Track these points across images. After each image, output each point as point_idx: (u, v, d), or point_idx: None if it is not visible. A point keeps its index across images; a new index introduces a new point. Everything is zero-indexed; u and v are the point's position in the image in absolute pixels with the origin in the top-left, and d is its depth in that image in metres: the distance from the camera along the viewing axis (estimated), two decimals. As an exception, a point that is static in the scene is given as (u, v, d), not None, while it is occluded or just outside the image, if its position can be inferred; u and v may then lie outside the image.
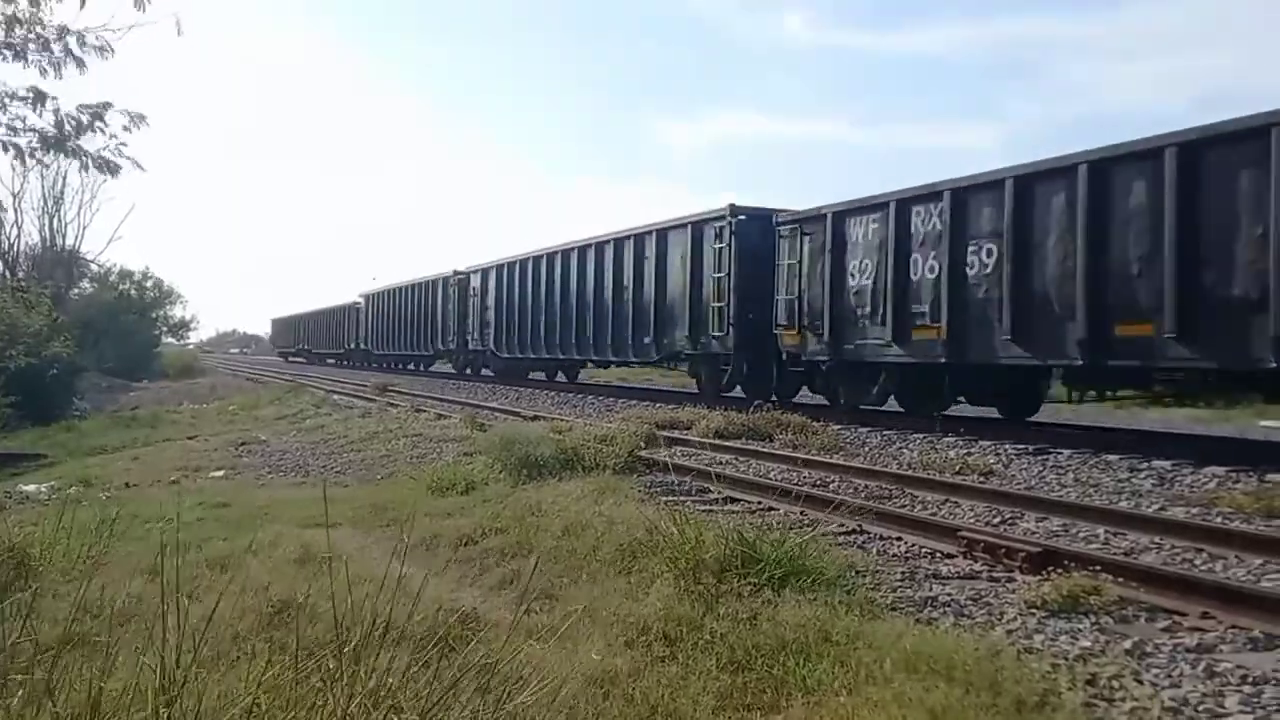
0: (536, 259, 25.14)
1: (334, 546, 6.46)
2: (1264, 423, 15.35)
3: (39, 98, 7.92)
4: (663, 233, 19.13)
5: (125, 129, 8.25)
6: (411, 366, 40.96)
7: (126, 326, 48.42)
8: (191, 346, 79.40)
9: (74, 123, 8.08)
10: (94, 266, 50.15)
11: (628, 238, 20.43)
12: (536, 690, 3.29)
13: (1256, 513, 7.13)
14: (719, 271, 17.05)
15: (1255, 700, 3.53)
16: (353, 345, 46.38)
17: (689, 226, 18.08)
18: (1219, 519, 7.03)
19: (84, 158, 8.27)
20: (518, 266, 26.53)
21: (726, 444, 11.63)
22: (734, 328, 16.65)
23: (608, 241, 21.30)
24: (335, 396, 24.37)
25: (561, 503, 7.50)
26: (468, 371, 33.14)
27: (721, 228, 17.07)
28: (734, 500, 8.03)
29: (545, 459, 9.34)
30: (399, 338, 39.14)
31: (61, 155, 8.61)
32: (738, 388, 17.66)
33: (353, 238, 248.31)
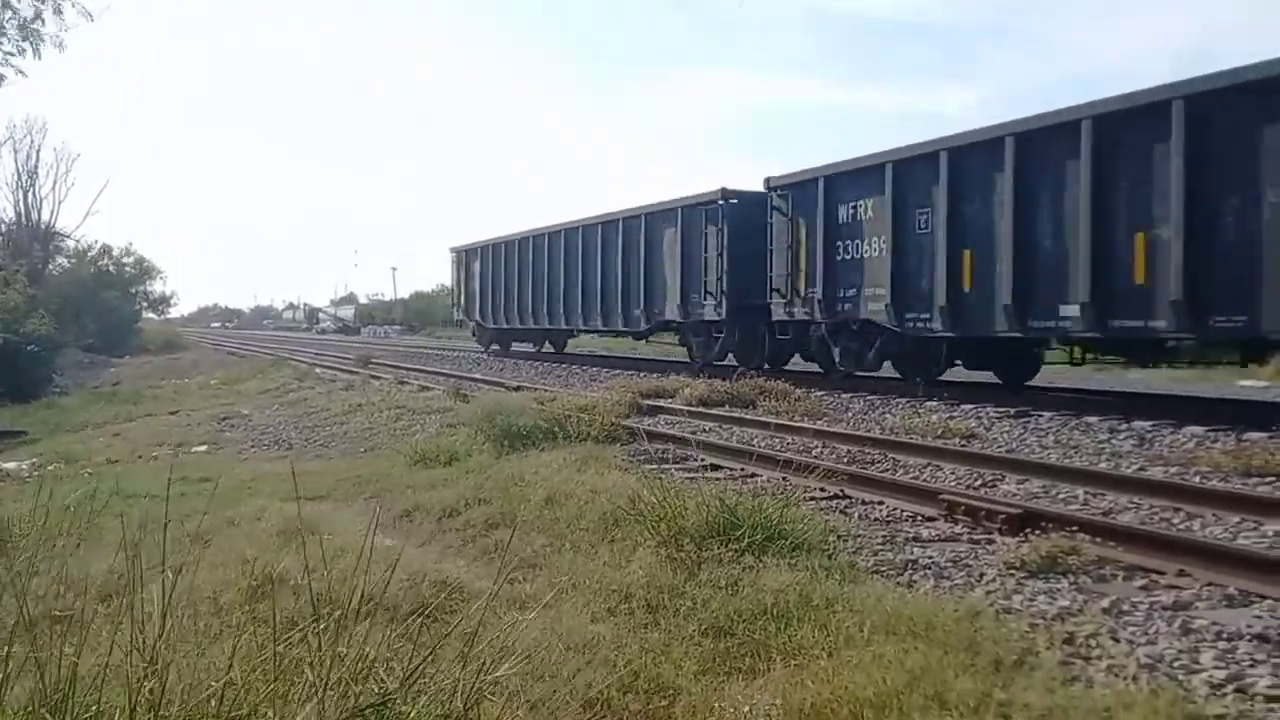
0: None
1: (317, 519, 6.47)
2: (1242, 383, 15.49)
3: None
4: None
5: None
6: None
7: (106, 302, 48.06)
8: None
9: None
10: (70, 242, 49.70)
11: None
12: (519, 658, 3.31)
13: (1234, 471, 7.20)
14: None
15: (1229, 656, 3.57)
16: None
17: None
18: (1197, 478, 7.11)
19: None
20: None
21: (710, 412, 11.66)
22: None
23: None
24: (318, 370, 24.28)
25: (544, 473, 7.50)
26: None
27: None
28: (717, 467, 8.05)
29: (528, 429, 9.34)
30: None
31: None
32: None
33: (336, 215, 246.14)
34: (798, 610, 4.05)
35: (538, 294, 24.75)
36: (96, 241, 53.25)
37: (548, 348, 28.12)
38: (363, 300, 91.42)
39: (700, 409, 11.92)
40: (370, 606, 3.30)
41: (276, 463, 10.69)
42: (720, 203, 17.39)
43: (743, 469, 7.91)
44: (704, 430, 10.34)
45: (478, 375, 19.68)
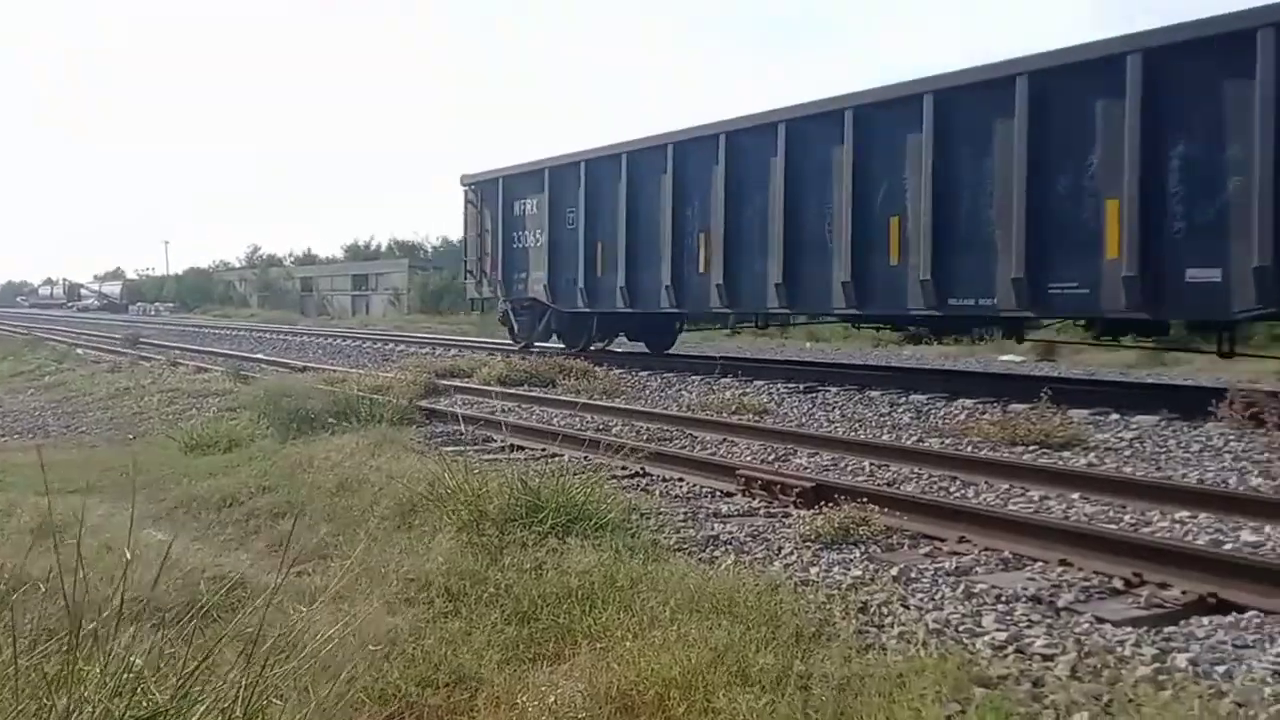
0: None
1: (77, 515, 5.90)
2: (1004, 357, 16.74)
3: None
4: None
5: None
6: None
7: None
8: None
9: None
10: None
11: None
12: (307, 656, 3.08)
13: (1001, 441, 7.71)
14: None
15: (1008, 618, 3.77)
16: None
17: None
18: (969, 448, 7.57)
19: None
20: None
21: (509, 391, 11.54)
22: None
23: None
24: (80, 350, 22.40)
25: (335, 458, 7.16)
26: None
27: None
28: (518, 448, 7.91)
29: (316, 412, 8.92)
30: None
31: None
32: None
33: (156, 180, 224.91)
34: (602, 592, 3.99)
35: (741, 246, 12.56)
36: None
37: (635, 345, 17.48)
38: (131, 276, 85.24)
39: (499, 388, 11.74)
40: (138, 609, 2.99)
41: (31, 452, 9.72)
42: None
43: (544, 449, 7.81)
44: (504, 410, 10.16)
45: (260, 355, 18.68)
